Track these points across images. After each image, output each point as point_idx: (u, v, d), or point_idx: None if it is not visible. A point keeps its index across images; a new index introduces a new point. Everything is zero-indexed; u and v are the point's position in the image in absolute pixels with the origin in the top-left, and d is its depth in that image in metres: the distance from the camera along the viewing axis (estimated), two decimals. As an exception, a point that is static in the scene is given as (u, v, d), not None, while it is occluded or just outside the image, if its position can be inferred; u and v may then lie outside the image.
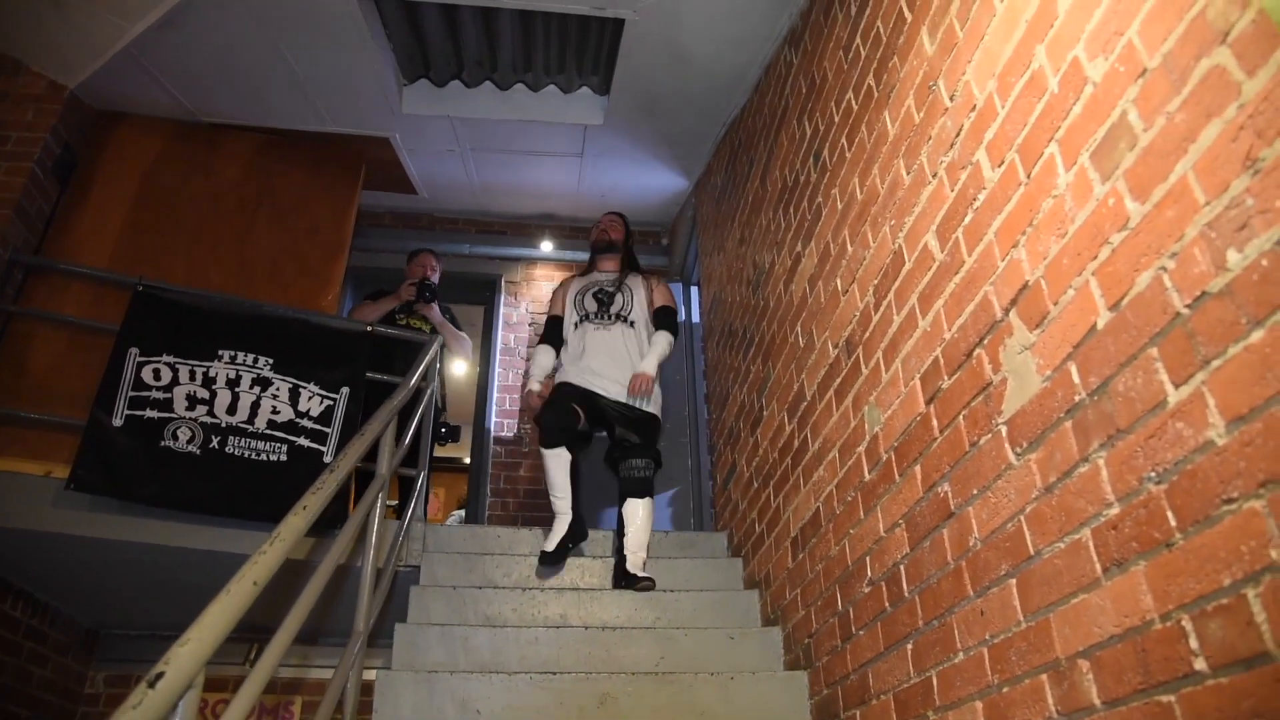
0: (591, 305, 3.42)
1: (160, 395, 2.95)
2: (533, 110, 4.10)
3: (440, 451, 4.13)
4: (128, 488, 2.82)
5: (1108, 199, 1.19)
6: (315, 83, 3.79)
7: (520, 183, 4.80)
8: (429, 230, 5.07)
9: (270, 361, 3.09)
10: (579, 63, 3.90)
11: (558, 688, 2.25)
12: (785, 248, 2.86)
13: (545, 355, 3.43)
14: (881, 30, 2.13)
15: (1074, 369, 1.25)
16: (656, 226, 5.23)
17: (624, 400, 3.18)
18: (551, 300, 3.62)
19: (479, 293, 5.18)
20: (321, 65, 3.67)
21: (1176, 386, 1.04)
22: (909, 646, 1.75)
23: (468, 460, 5.17)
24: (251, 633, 3.06)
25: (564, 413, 3.10)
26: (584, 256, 3.96)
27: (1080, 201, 1.25)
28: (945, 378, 1.67)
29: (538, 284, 5.13)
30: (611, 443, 3.23)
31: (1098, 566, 1.17)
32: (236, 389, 3.03)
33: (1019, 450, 1.39)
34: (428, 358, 3.11)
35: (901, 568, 1.82)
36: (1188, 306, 1.02)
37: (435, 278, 4.09)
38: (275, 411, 3.04)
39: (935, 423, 1.70)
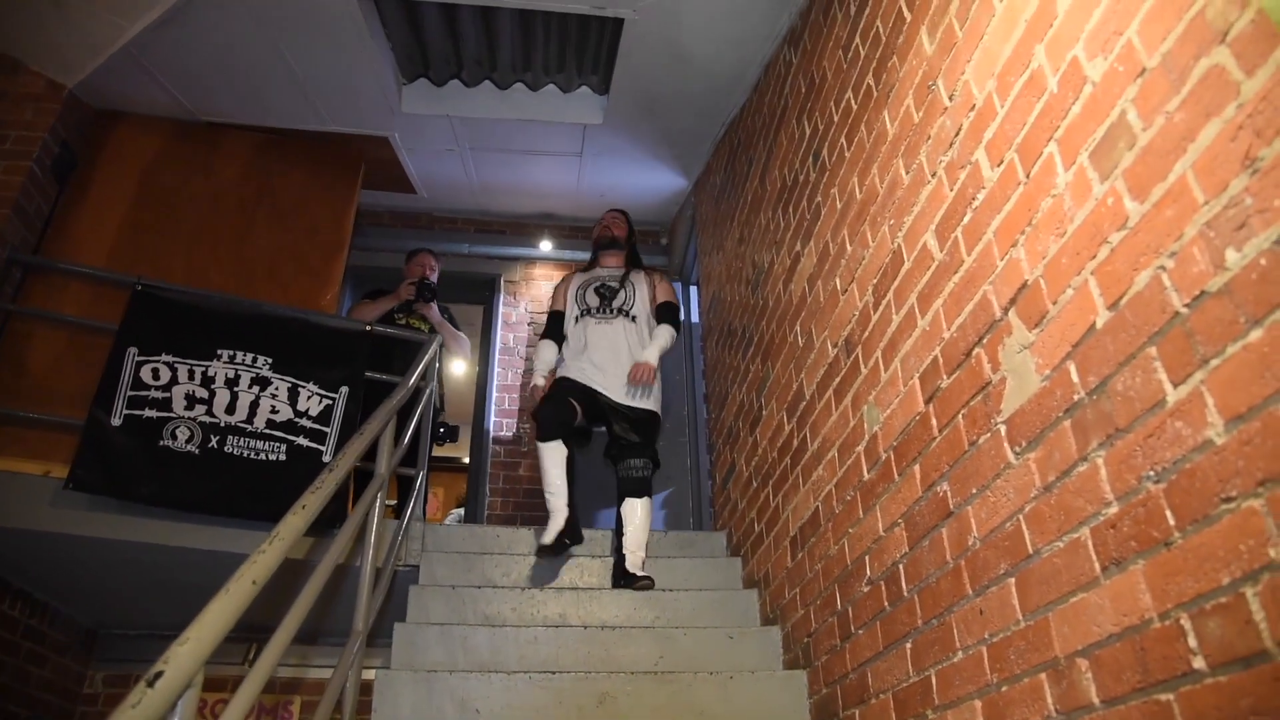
0: (594, 300, 3.43)
1: (159, 395, 2.95)
2: (532, 109, 4.09)
3: (439, 451, 4.13)
4: (126, 487, 2.82)
5: (1107, 198, 1.19)
6: (315, 82, 3.79)
7: (519, 182, 4.80)
8: (428, 229, 5.07)
9: (269, 361, 3.09)
10: (578, 62, 3.90)
11: (557, 687, 2.25)
12: (784, 247, 2.86)
13: (548, 350, 3.44)
14: (881, 30, 2.13)
15: (1073, 368, 1.25)
16: (655, 226, 5.23)
17: (623, 400, 3.18)
18: (553, 295, 3.63)
19: (478, 292, 5.18)
20: (321, 64, 3.67)
21: (1175, 386, 1.04)
22: (908, 645, 1.76)
23: (466, 460, 5.17)
24: (250, 632, 3.05)
25: (562, 408, 3.10)
26: (583, 256, 3.97)
27: (1079, 201, 1.25)
28: (944, 377, 1.67)
29: (537, 283, 5.13)
30: (610, 439, 3.23)
31: (1096, 565, 1.17)
32: (235, 388, 3.03)
33: (1018, 449, 1.39)
34: (427, 357, 3.11)
35: (900, 567, 1.82)
36: (1186, 306, 1.02)
37: (434, 277, 4.09)
38: (274, 411, 3.04)
39: (934, 422, 1.70)
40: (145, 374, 2.96)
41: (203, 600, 1.21)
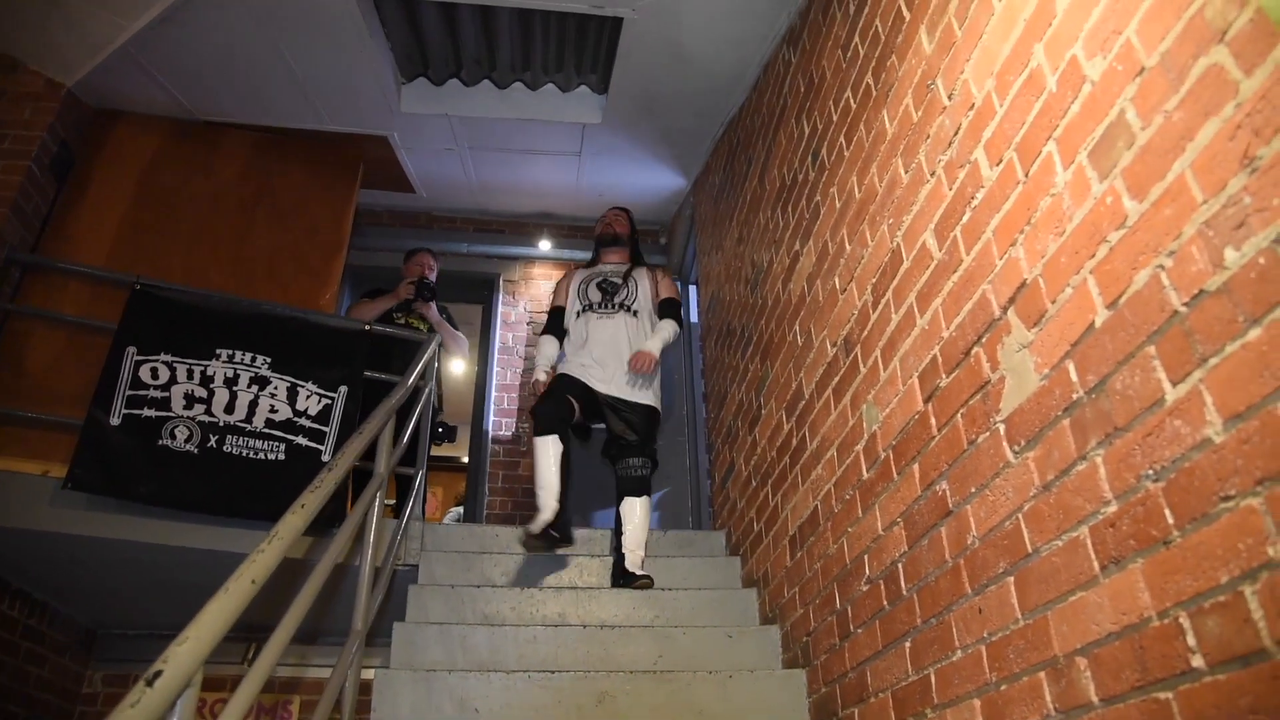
0: (595, 295, 3.43)
1: (158, 394, 2.95)
2: (531, 109, 4.09)
3: (437, 450, 4.13)
4: (125, 487, 2.82)
5: (1105, 197, 1.19)
6: (314, 81, 3.79)
7: (518, 181, 4.80)
8: (427, 229, 5.07)
9: (268, 360, 3.09)
10: (577, 61, 3.90)
11: (556, 686, 2.25)
12: (783, 246, 2.86)
13: (550, 345, 3.45)
14: (880, 29, 2.13)
15: (1072, 367, 1.25)
16: (655, 225, 5.23)
17: (621, 394, 3.18)
18: (555, 291, 3.64)
19: (477, 292, 5.17)
20: (320, 64, 3.67)
21: (1174, 384, 1.04)
22: (907, 644, 1.76)
23: (465, 459, 5.16)
24: (249, 632, 3.05)
25: (559, 404, 3.10)
26: (582, 255, 3.97)
27: (1078, 200, 1.26)
28: (943, 376, 1.67)
29: (536, 283, 5.13)
30: (609, 438, 3.23)
31: (1095, 564, 1.17)
32: (234, 388, 3.03)
33: (1017, 448, 1.39)
34: (426, 356, 3.11)
35: (900, 566, 1.82)
36: (1185, 305, 1.02)
37: (433, 276, 4.09)
38: (273, 410, 3.04)
39: (933, 421, 1.70)
40: (144, 373, 2.96)
41: (202, 600, 1.20)
